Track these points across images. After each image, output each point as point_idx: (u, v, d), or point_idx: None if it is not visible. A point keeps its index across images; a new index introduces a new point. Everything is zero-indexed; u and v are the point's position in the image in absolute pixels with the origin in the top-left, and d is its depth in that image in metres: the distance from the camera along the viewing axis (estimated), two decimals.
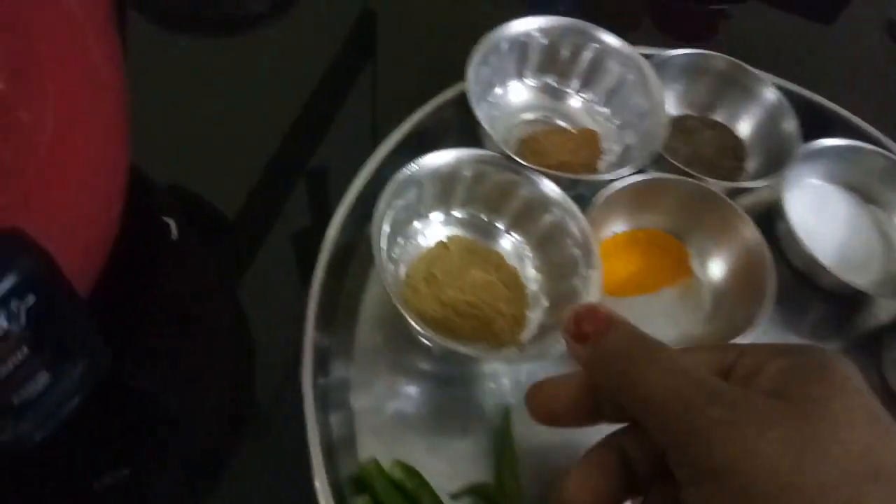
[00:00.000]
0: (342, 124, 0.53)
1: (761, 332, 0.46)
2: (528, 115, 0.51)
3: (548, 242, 0.44)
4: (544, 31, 0.48)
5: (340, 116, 0.54)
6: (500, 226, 0.45)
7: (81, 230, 0.30)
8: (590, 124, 0.51)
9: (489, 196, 0.44)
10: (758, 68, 0.52)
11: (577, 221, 0.42)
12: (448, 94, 0.49)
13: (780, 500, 0.20)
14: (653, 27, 0.65)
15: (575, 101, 0.52)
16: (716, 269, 0.47)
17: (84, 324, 0.29)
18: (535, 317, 0.42)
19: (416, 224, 0.44)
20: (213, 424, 0.40)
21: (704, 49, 0.52)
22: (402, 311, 0.35)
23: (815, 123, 0.52)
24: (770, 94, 0.51)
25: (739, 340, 0.40)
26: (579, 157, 0.49)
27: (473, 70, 0.45)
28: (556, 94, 0.52)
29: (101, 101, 0.31)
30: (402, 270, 0.42)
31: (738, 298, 0.44)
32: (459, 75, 0.46)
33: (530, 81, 0.51)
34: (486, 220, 0.45)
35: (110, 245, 0.34)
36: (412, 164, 0.41)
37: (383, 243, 0.39)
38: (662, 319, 0.45)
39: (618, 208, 0.46)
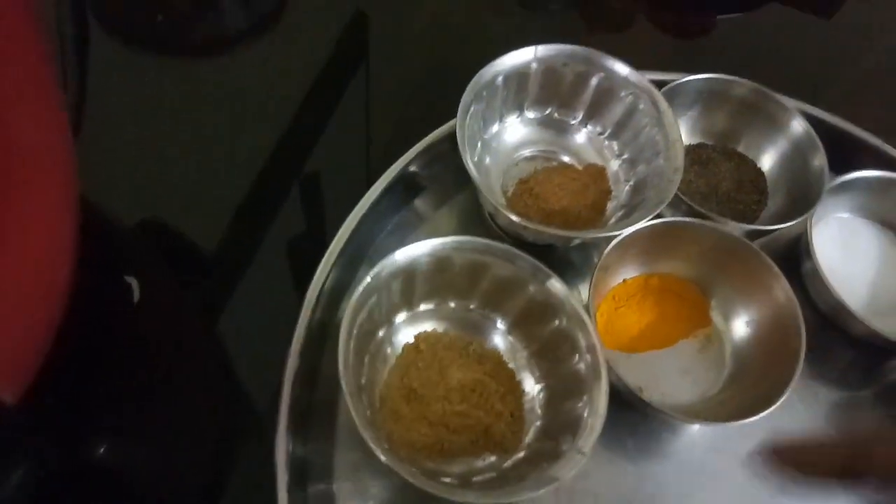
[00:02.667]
0: (332, 147, 0.50)
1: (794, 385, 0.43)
2: (528, 152, 0.47)
3: (534, 325, 0.39)
4: (544, 59, 0.44)
5: (329, 139, 0.50)
6: (472, 307, 0.40)
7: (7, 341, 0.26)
8: (596, 159, 0.47)
9: (453, 282, 0.39)
10: (778, 88, 0.47)
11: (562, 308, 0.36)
12: (441, 131, 0.44)
13: None
14: (647, 23, 0.60)
15: (580, 135, 0.48)
16: (740, 323, 0.42)
17: (13, 433, 0.25)
18: (530, 416, 0.38)
19: (381, 333, 0.38)
20: None
21: (724, 73, 0.47)
22: (390, 465, 0.30)
23: (844, 152, 0.48)
24: (796, 125, 0.46)
25: (767, 412, 0.36)
26: (585, 197, 0.44)
27: (463, 113, 0.41)
28: (559, 127, 0.47)
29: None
30: (377, 393, 0.37)
31: (764, 361, 0.40)
32: (456, 85, 0.41)
33: (530, 114, 0.47)
34: (453, 306, 0.40)
35: (48, 339, 0.30)
36: (370, 274, 0.35)
37: (349, 383, 0.33)
38: (679, 377, 0.41)
39: (630, 252, 0.42)
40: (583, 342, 0.36)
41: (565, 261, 0.45)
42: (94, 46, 0.52)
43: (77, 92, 0.46)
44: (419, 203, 0.47)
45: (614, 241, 0.40)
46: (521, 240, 0.42)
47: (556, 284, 0.37)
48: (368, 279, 0.34)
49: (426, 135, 0.45)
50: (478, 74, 0.41)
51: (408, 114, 0.52)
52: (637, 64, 0.45)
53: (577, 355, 0.36)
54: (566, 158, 0.47)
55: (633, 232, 0.40)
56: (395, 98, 0.53)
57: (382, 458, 0.30)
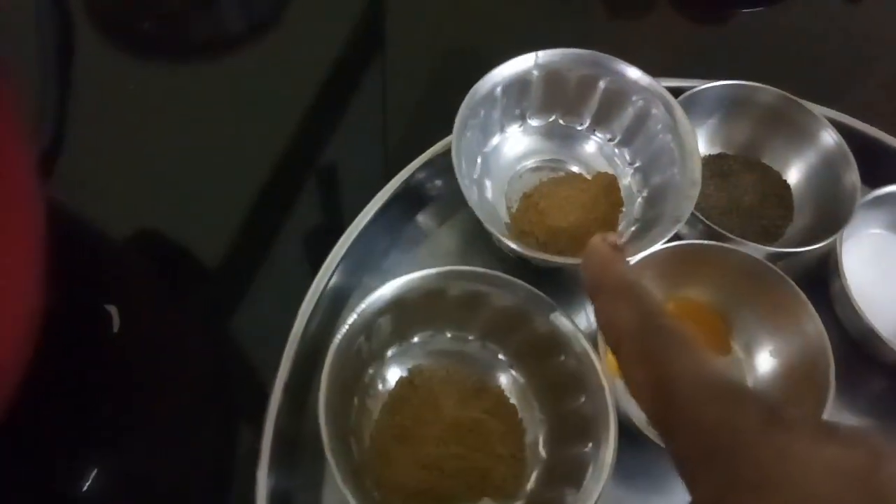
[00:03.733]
0: (345, 149, 0.47)
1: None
2: (532, 162, 0.44)
3: (539, 363, 0.36)
4: (546, 65, 0.40)
5: (342, 141, 0.47)
6: (471, 338, 0.37)
7: None
8: (606, 168, 0.44)
9: (448, 312, 0.36)
10: (803, 90, 0.43)
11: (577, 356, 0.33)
12: (443, 143, 0.41)
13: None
14: (668, 8, 0.56)
15: (588, 142, 0.44)
16: (763, 353, 0.39)
17: None
18: (532, 459, 0.35)
19: (371, 370, 0.36)
20: None
21: (745, 73, 0.43)
22: None
23: (877, 163, 0.44)
24: (826, 136, 0.42)
25: None
26: (595, 211, 0.41)
27: (459, 132, 0.37)
28: (565, 135, 0.44)
29: None
30: (366, 434, 0.34)
31: (788, 394, 0.37)
32: (478, 71, 0.38)
33: (533, 122, 0.43)
34: (449, 336, 0.37)
35: (17, 373, 0.28)
36: (353, 315, 0.32)
37: (330, 433, 0.30)
38: None
39: (644, 277, 0.39)
40: (590, 381, 0.33)
41: (576, 281, 0.42)
42: (88, 52, 0.50)
43: (57, 107, 0.44)
44: (422, 218, 0.44)
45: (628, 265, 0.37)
46: (529, 261, 0.40)
47: (560, 318, 0.34)
48: (354, 317, 0.31)
49: (438, 140, 0.42)
50: (473, 88, 0.38)
51: (427, 108, 0.49)
52: (653, 62, 0.41)
53: (583, 396, 0.33)
54: (574, 168, 0.44)
55: (648, 256, 0.37)
56: (413, 93, 0.50)
57: None
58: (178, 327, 0.41)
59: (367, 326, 0.32)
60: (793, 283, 0.37)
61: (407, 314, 0.34)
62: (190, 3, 0.55)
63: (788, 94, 0.43)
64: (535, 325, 0.35)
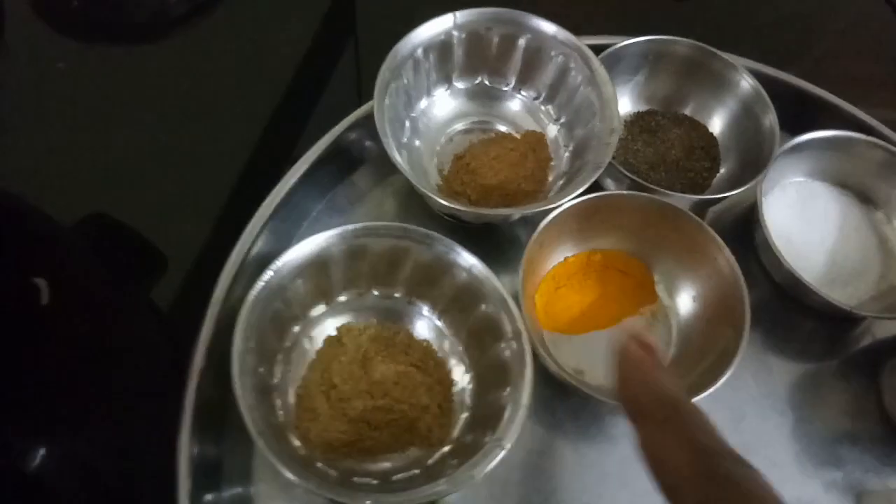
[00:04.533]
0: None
1: (747, 357, 0.40)
2: (462, 125, 0.44)
3: (455, 307, 0.37)
4: (465, 25, 0.41)
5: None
6: (397, 295, 0.38)
7: None
8: (533, 126, 0.44)
9: (373, 269, 0.36)
10: (728, 47, 0.44)
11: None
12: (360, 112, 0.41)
13: None
14: None
15: (514, 101, 0.45)
16: (685, 298, 0.40)
17: None
18: (460, 408, 0.35)
19: (296, 328, 0.36)
20: None
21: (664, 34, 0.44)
22: (289, 476, 0.28)
23: (799, 112, 0.45)
24: (744, 83, 0.43)
25: (711, 391, 0.34)
26: (524, 168, 0.42)
27: (381, 94, 0.38)
28: (492, 95, 0.45)
29: None
30: (291, 393, 0.35)
31: (709, 336, 0.37)
32: None
33: (460, 84, 0.44)
34: (376, 294, 0.38)
35: None
36: (268, 271, 0.33)
37: (244, 385, 0.30)
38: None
39: (569, 228, 0.40)
40: (508, 328, 0.34)
41: (510, 239, 0.43)
42: (20, 32, 0.49)
43: None
44: (357, 179, 0.44)
45: (548, 218, 0.37)
46: (462, 220, 0.40)
47: (477, 267, 0.35)
48: (269, 274, 0.32)
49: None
50: (393, 49, 0.39)
51: None
52: (574, 20, 0.42)
53: (502, 342, 0.34)
54: (503, 128, 0.45)
55: (569, 206, 0.37)
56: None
57: (284, 471, 0.28)
58: (109, 301, 0.41)
59: (284, 285, 0.33)
60: (706, 225, 0.37)
61: (329, 272, 0.35)
62: None
63: (703, 45, 0.43)
64: (455, 277, 0.35)
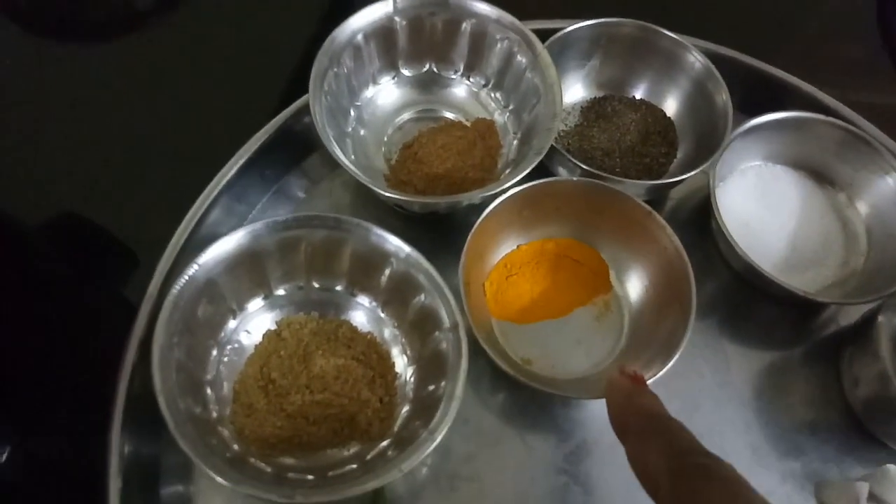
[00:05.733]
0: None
1: (703, 346, 0.40)
2: (410, 113, 0.43)
3: (395, 298, 0.36)
4: (406, 10, 0.40)
5: None
6: (339, 287, 0.37)
7: None
8: (482, 113, 0.43)
9: (310, 262, 0.35)
10: (681, 29, 0.43)
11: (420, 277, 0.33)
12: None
13: None
14: None
15: (462, 88, 0.44)
16: (636, 286, 0.39)
17: None
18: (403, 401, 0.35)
19: (231, 323, 0.35)
20: None
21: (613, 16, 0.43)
22: (213, 475, 0.28)
23: (759, 94, 0.44)
24: (695, 62, 0.42)
25: (656, 377, 0.33)
26: (472, 156, 0.41)
27: (318, 82, 0.37)
28: (440, 83, 0.44)
29: None
30: (227, 387, 0.34)
31: (658, 323, 0.36)
32: None
33: (407, 72, 0.43)
34: (317, 286, 0.37)
35: None
36: (192, 265, 0.32)
37: (166, 380, 0.29)
38: (573, 347, 0.38)
39: (518, 217, 0.39)
40: (446, 319, 0.33)
41: (462, 228, 0.41)
42: None
43: None
44: (309, 166, 0.43)
45: (491, 206, 0.36)
46: (411, 210, 0.39)
47: (413, 256, 0.34)
48: (195, 268, 0.31)
49: None
50: (330, 37, 0.38)
51: None
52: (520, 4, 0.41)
53: (440, 333, 0.33)
54: (451, 115, 0.44)
55: (513, 194, 0.37)
56: None
57: (207, 470, 0.27)
58: (46, 297, 0.40)
59: (213, 280, 0.32)
60: (652, 210, 0.36)
61: (262, 265, 0.34)
62: None
63: (650, 24, 0.42)
64: (393, 267, 0.34)
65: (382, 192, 0.36)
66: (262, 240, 0.33)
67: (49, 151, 0.45)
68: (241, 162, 0.39)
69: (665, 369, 0.33)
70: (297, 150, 0.43)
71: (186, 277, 0.31)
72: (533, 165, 0.36)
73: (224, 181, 0.38)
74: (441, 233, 0.40)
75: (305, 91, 0.37)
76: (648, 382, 0.33)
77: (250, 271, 0.34)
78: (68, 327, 0.40)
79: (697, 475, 0.22)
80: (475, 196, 0.36)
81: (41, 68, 0.48)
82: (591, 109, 0.45)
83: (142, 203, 0.42)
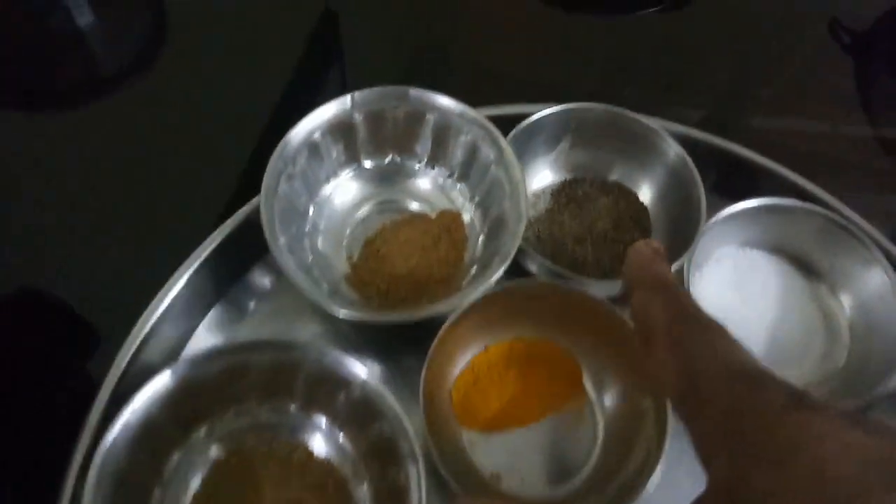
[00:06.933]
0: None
1: (681, 452, 0.38)
2: (372, 206, 0.41)
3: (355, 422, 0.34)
4: (364, 105, 0.38)
5: None
6: (292, 409, 0.34)
7: None
8: (448, 205, 0.41)
9: (264, 384, 0.33)
10: (650, 108, 0.41)
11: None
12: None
13: (859, 482, 0.18)
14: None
15: (426, 179, 0.42)
16: (612, 394, 0.37)
17: None
18: None
19: (175, 455, 0.32)
20: None
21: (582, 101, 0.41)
22: None
23: (731, 175, 0.42)
24: (668, 150, 0.40)
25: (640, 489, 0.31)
26: (437, 252, 0.39)
27: (270, 189, 0.35)
28: (404, 173, 0.42)
29: None
30: None
31: (634, 437, 0.34)
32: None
33: (369, 163, 0.41)
34: (268, 409, 0.34)
35: None
36: (125, 412, 0.29)
37: None
38: (545, 458, 0.36)
39: (484, 319, 0.36)
40: (405, 450, 0.31)
41: (426, 325, 0.39)
42: None
43: None
44: (261, 269, 0.40)
45: (452, 317, 0.34)
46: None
47: (370, 384, 0.32)
48: (126, 416, 0.29)
49: None
50: (284, 139, 0.36)
51: None
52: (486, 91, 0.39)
53: (398, 465, 0.31)
54: (416, 206, 0.42)
55: (474, 303, 0.35)
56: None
57: None
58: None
59: (150, 420, 0.30)
60: (624, 317, 0.34)
61: (204, 395, 0.32)
62: (52, 48, 0.53)
63: (622, 109, 0.40)
64: (349, 391, 0.32)
65: (336, 312, 0.34)
66: (204, 372, 0.31)
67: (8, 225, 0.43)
68: (189, 271, 0.37)
69: (646, 487, 0.31)
70: (252, 250, 0.40)
71: (119, 427, 0.29)
72: (499, 274, 0.34)
73: (169, 297, 0.36)
74: (405, 331, 0.38)
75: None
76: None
77: (192, 404, 0.32)
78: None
79: (693, 319, 0.25)
80: (437, 310, 0.34)
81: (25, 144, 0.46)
82: (561, 193, 0.43)
83: (105, 280, 0.40)
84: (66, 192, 0.45)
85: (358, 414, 0.33)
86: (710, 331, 0.24)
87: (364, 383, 0.32)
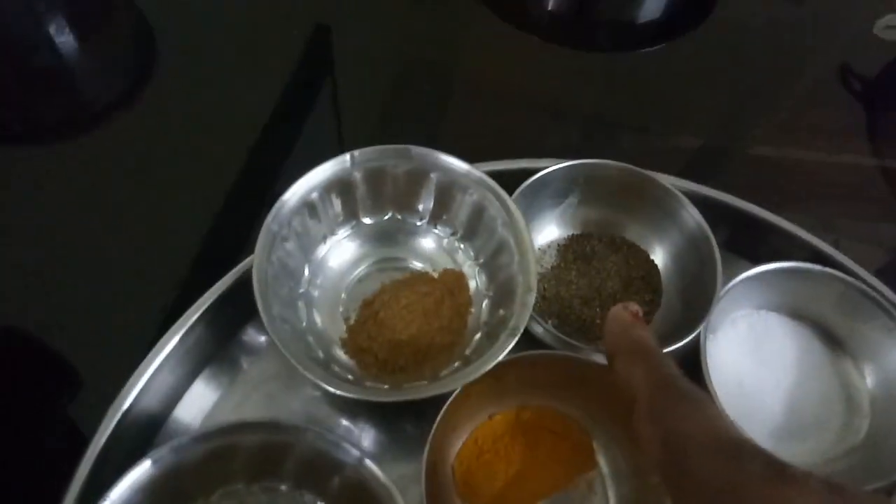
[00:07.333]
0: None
1: None
2: (371, 264, 0.39)
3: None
4: (364, 163, 0.36)
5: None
6: (283, 488, 0.32)
7: None
8: (449, 263, 0.39)
9: (251, 465, 0.31)
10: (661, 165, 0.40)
11: None
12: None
13: None
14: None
15: (429, 238, 0.40)
16: (620, 460, 0.35)
17: None
18: None
19: None
20: None
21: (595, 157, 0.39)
22: None
23: (747, 235, 0.41)
24: (682, 209, 0.38)
25: None
26: (439, 317, 0.37)
27: (264, 250, 0.33)
28: (405, 231, 0.40)
29: None
30: None
31: (647, 501, 0.33)
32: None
33: (368, 220, 0.39)
34: (257, 489, 0.32)
35: None
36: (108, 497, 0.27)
37: None
38: None
39: (489, 389, 0.34)
40: None
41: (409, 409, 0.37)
42: None
43: None
44: (248, 337, 0.38)
45: (453, 395, 0.32)
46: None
47: (368, 467, 0.29)
48: (110, 500, 0.27)
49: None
50: (280, 200, 0.34)
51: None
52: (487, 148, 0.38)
53: None
54: (418, 265, 0.40)
55: (498, 366, 0.32)
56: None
57: None
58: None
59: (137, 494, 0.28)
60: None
61: (190, 478, 0.30)
62: (38, 84, 0.51)
63: (631, 167, 0.39)
64: (345, 473, 0.30)
65: (330, 389, 0.31)
66: (186, 457, 0.29)
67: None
68: (180, 333, 0.34)
69: None
70: (240, 316, 0.38)
71: None
72: (508, 349, 0.32)
73: (157, 362, 0.34)
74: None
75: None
76: None
77: (175, 488, 0.29)
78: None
79: (673, 388, 0.25)
80: (440, 389, 0.32)
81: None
82: (568, 249, 0.41)
83: (88, 320, 0.39)
84: (48, 229, 0.42)
85: (353, 496, 0.31)
86: (689, 401, 0.25)
87: (359, 466, 0.29)
